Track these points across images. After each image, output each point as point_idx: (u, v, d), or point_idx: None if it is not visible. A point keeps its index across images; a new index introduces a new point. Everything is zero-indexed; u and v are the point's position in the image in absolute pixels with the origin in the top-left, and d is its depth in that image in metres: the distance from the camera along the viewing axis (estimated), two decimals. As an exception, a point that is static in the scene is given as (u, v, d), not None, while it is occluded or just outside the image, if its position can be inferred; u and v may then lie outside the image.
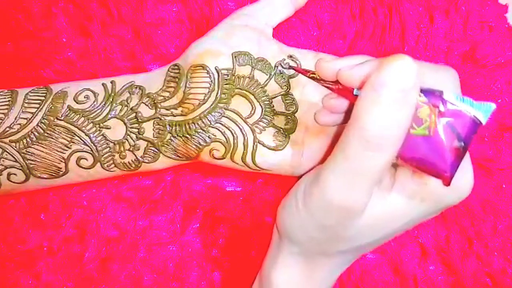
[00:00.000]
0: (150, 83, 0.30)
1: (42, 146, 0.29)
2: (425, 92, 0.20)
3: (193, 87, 0.29)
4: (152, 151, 0.30)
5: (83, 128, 0.29)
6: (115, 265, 0.33)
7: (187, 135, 0.29)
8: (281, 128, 0.31)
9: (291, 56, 0.31)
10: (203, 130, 0.29)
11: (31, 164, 0.29)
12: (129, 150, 0.30)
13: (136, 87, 0.30)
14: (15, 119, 0.29)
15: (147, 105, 0.30)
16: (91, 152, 0.29)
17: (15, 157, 0.29)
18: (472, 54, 0.36)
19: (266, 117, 0.30)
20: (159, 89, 0.30)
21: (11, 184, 0.30)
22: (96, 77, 0.34)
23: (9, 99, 0.30)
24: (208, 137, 0.29)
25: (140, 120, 0.29)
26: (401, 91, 0.19)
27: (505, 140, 0.36)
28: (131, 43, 0.35)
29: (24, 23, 0.35)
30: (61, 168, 0.30)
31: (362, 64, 0.22)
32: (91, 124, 0.29)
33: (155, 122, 0.30)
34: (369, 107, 0.20)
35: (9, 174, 0.29)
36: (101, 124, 0.29)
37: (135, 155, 0.30)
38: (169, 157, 0.30)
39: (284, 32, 0.36)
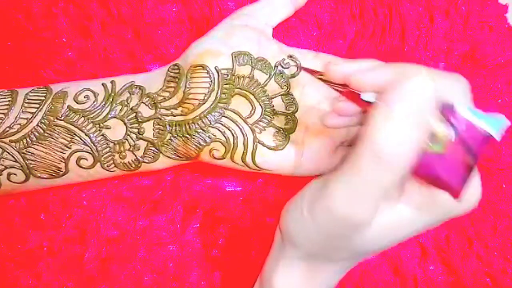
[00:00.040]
0: (150, 83, 0.30)
1: (42, 146, 0.29)
2: (438, 106, 0.20)
3: (193, 87, 0.29)
4: (152, 151, 0.30)
5: (83, 128, 0.29)
6: (115, 265, 0.33)
7: (187, 135, 0.29)
8: (281, 128, 0.30)
9: (291, 56, 0.31)
10: (203, 130, 0.29)
11: (31, 164, 0.29)
12: (129, 150, 0.30)
13: (136, 87, 0.30)
14: (15, 119, 0.29)
15: (147, 105, 0.30)
16: (91, 152, 0.29)
17: (15, 157, 0.29)
18: (472, 54, 0.36)
19: (266, 117, 0.30)
20: (159, 89, 0.30)
21: (11, 184, 0.30)
22: (96, 77, 0.34)
23: (9, 99, 0.30)
24: (208, 137, 0.29)
25: (140, 120, 0.29)
26: (417, 109, 0.19)
27: (505, 140, 0.36)
28: (131, 43, 0.35)
29: (24, 23, 0.35)
30: (61, 168, 0.30)
31: (374, 71, 0.22)
32: (91, 124, 0.29)
33: (155, 122, 0.30)
34: (382, 122, 0.19)
35: (9, 174, 0.29)
36: (101, 124, 0.29)
37: (135, 155, 0.30)
38: (169, 157, 0.30)
39: (284, 32, 0.36)
